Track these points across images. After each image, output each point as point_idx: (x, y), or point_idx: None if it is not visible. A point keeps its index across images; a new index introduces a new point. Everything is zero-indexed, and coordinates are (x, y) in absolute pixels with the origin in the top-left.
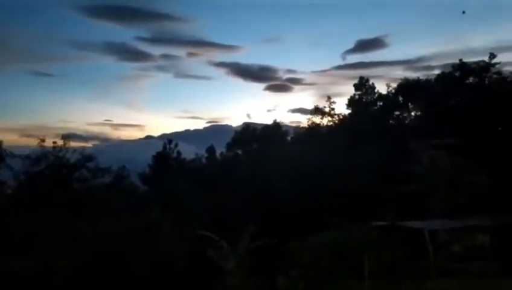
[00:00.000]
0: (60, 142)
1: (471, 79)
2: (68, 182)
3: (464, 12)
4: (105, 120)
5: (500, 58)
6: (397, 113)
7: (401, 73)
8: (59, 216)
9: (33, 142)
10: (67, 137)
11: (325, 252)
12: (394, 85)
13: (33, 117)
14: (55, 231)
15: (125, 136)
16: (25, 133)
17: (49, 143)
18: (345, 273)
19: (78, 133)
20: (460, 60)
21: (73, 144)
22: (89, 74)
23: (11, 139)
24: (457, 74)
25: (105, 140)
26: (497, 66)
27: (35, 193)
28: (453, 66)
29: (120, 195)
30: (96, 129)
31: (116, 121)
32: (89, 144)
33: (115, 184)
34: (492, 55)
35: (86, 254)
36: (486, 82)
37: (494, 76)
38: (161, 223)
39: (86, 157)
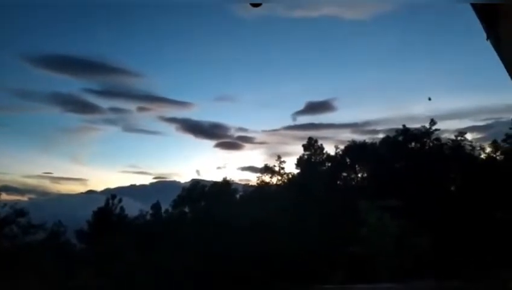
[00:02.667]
0: None
1: (413, 144)
2: None
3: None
4: (45, 173)
5: (438, 125)
6: (344, 174)
7: (348, 135)
8: None
9: None
10: None
11: None
12: (342, 147)
13: None
14: None
15: (65, 190)
16: None
17: None
18: None
19: (13, 185)
20: (404, 125)
21: (7, 197)
22: (31, 124)
23: None
24: (400, 138)
25: (43, 194)
26: (436, 132)
27: None
28: (397, 130)
29: (53, 254)
30: (34, 182)
31: (56, 174)
32: (25, 198)
33: (48, 242)
34: (432, 122)
35: None
36: (427, 147)
37: (434, 142)
38: (96, 286)
39: (18, 212)
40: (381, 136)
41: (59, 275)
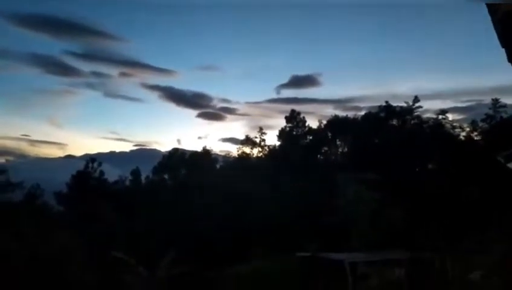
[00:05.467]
0: None
1: (394, 121)
2: None
3: None
4: (23, 135)
5: (421, 105)
6: (325, 148)
7: (331, 111)
8: None
9: None
10: None
11: (249, 282)
12: (325, 122)
13: None
14: None
15: (43, 154)
16: None
17: None
18: None
19: None
20: (386, 102)
21: None
22: (9, 84)
23: None
24: (382, 114)
25: (21, 156)
26: (418, 110)
27: None
28: (379, 107)
29: (30, 214)
30: (11, 144)
31: (34, 137)
32: (2, 160)
33: (26, 203)
34: (416, 99)
35: None
36: (408, 124)
37: (415, 120)
38: (73, 248)
39: None
40: (364, 113)
41: (36, 235)
